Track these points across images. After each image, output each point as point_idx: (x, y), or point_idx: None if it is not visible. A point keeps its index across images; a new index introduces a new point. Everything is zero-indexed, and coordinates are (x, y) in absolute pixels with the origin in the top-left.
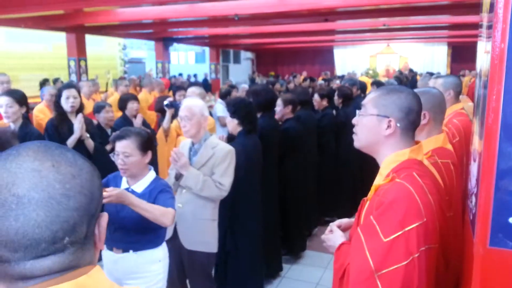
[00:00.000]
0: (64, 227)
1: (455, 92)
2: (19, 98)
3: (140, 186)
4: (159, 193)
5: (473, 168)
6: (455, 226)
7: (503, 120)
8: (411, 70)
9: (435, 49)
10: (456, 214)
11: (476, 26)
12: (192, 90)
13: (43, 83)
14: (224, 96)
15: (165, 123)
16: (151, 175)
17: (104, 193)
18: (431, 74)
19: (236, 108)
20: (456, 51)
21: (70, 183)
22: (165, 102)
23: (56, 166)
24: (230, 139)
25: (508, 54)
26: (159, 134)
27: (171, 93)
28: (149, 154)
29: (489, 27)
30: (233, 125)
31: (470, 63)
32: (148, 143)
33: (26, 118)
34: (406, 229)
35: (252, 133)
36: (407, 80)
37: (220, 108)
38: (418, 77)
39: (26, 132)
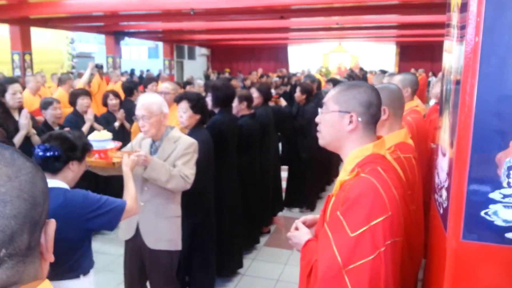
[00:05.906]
0: None
1: (412, 89)
2: None
3: None
4: None
5: (443, 162)
6: (417, 219)
7: (476, 114)
8: (361, 69)
9: (384, 48)
10: (418, 207)
11: (424, 26)
12: (165, 86)
13: None
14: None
15: None
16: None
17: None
18: (383, 72)
19: (200, 104)
20: (404, 50)
21: (6, 186)
22: None
23: None
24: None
25: (482, 49)
26: (134, 128)
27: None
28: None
29: (462, 27)
30: (193, 120)
31: (418, 61)
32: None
33: None
34: (372, 223)
35: (202, 126)
36: (358, 79)
37: None
38: (368, 76)
39: None
